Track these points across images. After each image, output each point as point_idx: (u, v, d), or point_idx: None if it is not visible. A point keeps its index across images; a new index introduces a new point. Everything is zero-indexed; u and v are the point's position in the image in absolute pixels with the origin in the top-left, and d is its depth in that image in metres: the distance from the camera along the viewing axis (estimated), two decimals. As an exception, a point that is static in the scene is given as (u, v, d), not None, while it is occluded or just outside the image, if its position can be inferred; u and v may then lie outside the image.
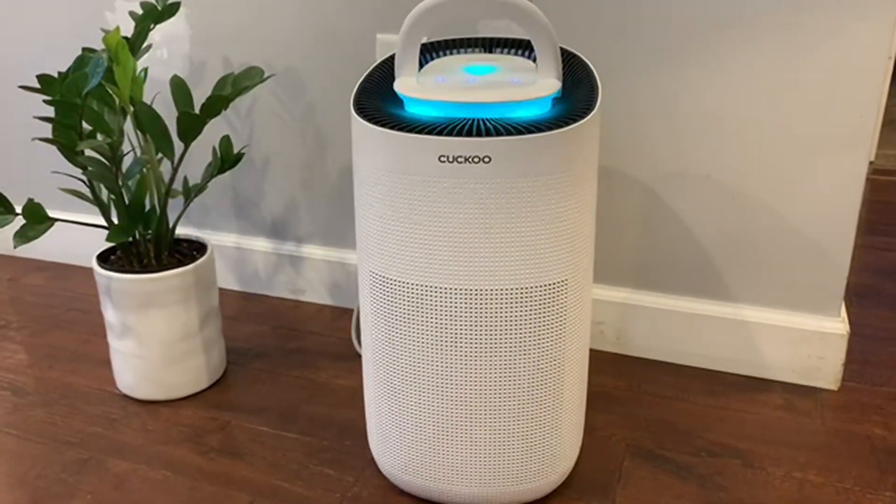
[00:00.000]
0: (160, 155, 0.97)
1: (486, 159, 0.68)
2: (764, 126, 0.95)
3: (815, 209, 0.97)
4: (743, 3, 0.91)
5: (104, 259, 1.00)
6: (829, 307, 1.01)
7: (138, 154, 0.99)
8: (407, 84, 0.75)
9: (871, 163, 1.90)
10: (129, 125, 0.97)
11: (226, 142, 1.00)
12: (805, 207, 0.97)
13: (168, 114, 0.94)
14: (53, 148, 0.90)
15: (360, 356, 1.11)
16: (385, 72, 0.81)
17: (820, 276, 1.00)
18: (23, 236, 0.90)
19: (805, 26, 0.90)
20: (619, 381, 1.05)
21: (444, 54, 0.84)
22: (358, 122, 0.73)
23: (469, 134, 0.68)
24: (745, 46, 0.93)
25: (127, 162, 0.97)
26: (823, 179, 0.95)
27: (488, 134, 0.68)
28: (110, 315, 0.99)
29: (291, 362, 1.11)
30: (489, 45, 0.85)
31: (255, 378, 1.07)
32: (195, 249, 1.04)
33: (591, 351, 1.11)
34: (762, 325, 1.03)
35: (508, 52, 0.84)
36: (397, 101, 0.76)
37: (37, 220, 0.91)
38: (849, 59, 0.89)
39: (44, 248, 1.47)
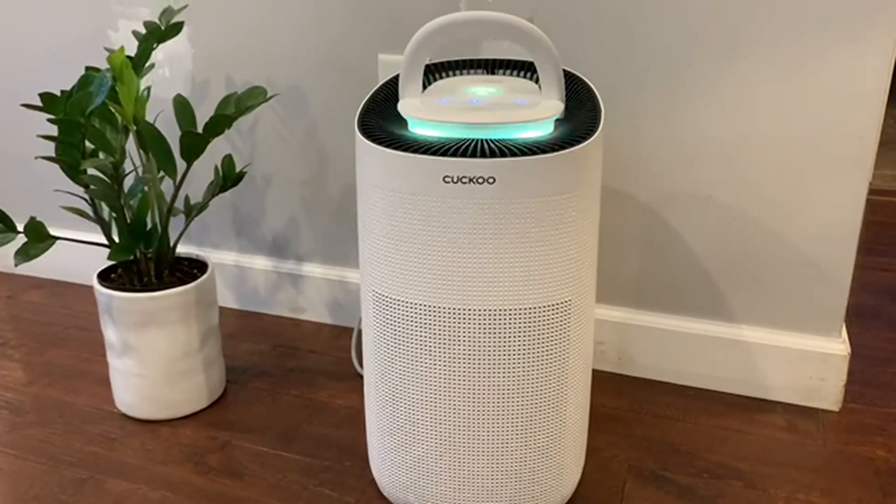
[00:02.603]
0: (162, 173, 0.98)
1: (491, 180, 0.68)
2: (765, 147, 0.96)
3: (816, 230, 0.97)
4: (745, 27, 0.92)
5: (105, 277, 1.00)
6: (830, 328, 1.01)
7: (140, 173, 0.99)
8: (411, 105, 0.75)
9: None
10: (130, 144, 0.97)
11: (228, 161, 1.00)
12: (806, 228, 0.98)
13: (170, 132, 0.95)
14: (53, 166, 0.90)
15: (360, 376, 1.11)
16: (389, 92, 0.81)
17: (821, 296, 1.00)
18: (24, 254, 0.89)
19: (806, 50, 0.91)
20: (620, 402, 1.05)
21: (447, 75, 0.85)
22: (362, 142, 0.73)
23: (473, 155, 0.68)
24: (747, 69, 0.94)
25: (129, 180, 0.97)
26: (824, 201, 0.96)
27: (492, 155, 0.68)
28: (110, 333, 0.98)
29: (291, 381, 1.10)
30: (492, 66, 0.85)
31: (255, 397, 1.06)
32: (196, 268, 1.04)
33: (593, 371, 1.11)
34: (763, 345, 1.03)
35: (511, 74, 0.84)
36: (401, 121, 0.76)
37: (39, 238, 0.90)
38: (849, 83, 0.90)
39: (42, 265, 1.46)
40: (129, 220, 0.96)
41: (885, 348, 1.18)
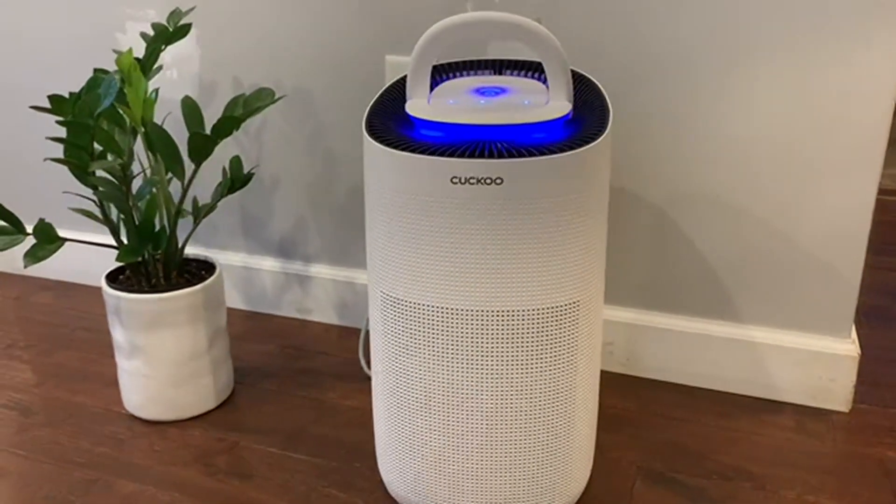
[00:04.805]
0: (170, 175, 0.98)
1: (499, 181, 0.68)
2: (774, 147, 0.96)
3: (826, 230, 0.97)
4: (753, 27, 0.92)
5: (113, 279, 1.00)
6: (840, 328, 1.00)
7: (148, 174, 0.99)
8: (419, 106, 0.75)
9: (876, 183, 1.89)
10: (139, 145, 0.97)
11: (236, 162, 1.00)
12: (815, 229, 0.97)
13: (178, 134, 0.95)
14: (62, 167, 0.90)
15: (367, 376, 1.11)
16: (396, 93, 0.81)
17: (830, 297, 0.99)
18: (33, 256, 0.90)
19: (815, 51, 0.90)
20: (628, 403, 1.04)
21: (455, 76, 0.84)
22: (370, 143, 0.73)
23: (481, 156, 0.68)
24: (755, 69, 0.93)
25: (137, 182, 0.98)
26: (834, 201, 0.95)
27: (500, 156, 0.68)
28: (118, 335, 0.98)
29: (299, 382, 1.10)
30: (499, 67, 0.85)
31: (263, 398, 1.07)
32: (203, 269, 1.04)
33: (601, 372, 1.11)
34: (772, 346, 1.03)
35: (518, 74, 0.84)
36: (409, 122, 0.76)
37: (47, 240, 0.91)
38: (858, 83, 0.90)
39: (50, 266, 1.46)
40: (137, 222, 0.97)
41: (895, 349, 1.17)
